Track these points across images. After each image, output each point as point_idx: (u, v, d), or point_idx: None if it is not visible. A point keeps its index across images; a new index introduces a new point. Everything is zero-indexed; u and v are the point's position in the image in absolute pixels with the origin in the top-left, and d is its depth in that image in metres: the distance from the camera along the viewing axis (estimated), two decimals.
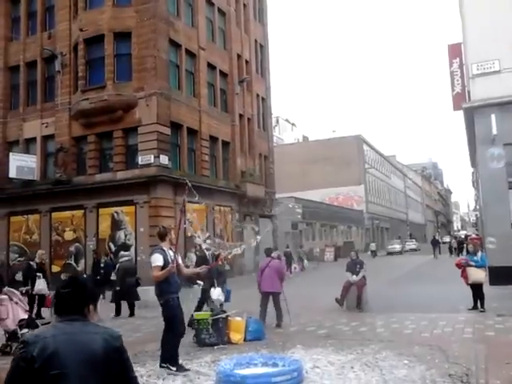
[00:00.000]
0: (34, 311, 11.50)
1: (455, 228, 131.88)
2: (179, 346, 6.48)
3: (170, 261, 6.40)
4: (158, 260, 6.35)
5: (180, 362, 6.44)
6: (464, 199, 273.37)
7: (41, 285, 12.05)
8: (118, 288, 12.26)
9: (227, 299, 10.08)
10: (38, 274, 12.19)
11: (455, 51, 19.15)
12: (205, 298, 9.92)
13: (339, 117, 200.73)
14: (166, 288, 6.36)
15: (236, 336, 8.18)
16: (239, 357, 6.44)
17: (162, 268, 6.32)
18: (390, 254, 45.36)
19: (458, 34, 19.88)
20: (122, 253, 13.88)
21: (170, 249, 6.64)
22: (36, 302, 12.03)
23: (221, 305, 9.32)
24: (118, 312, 12.16)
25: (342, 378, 5.74)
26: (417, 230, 78.17)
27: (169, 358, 6.31)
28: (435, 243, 37.25)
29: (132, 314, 12.03)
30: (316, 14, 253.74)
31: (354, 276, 11.77)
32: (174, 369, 6.23)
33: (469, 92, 16.94)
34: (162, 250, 6.52)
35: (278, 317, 9.67)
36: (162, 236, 6.70)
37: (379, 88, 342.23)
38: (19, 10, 24.42)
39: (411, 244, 52.01)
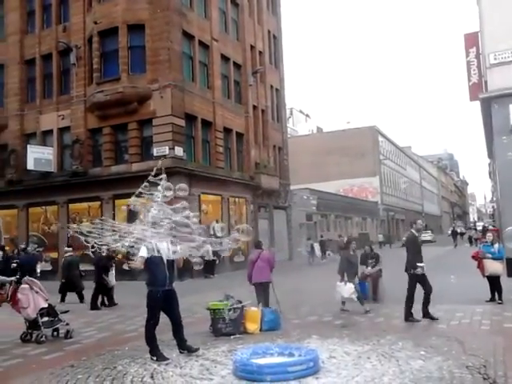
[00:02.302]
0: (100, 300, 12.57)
1: (471, 219, 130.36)
2: (155, 335, 6.65)
3: (156, 253, 6.57)
4: (142, 251, 6.58)
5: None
6: (481, 190, 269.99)
7: (112, 276, 12.84)
8: (63, 280, 13.48)
9: (364, 295, 9.95)
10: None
11: (472, 40, 18.85)
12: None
13: (354, 108, 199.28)
14: (151, 280, 6.60)
15: (252, 326, 8.24)
16: (255, 346, 6.49)
17: (147, 260, 6.52)
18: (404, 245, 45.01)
19: (475, 22, 19.55)
20: (66, 248, 15.05)
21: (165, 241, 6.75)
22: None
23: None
24: (62, 300, 13.13)
25: (359, 368, 5.75)
26: (432, 222, 77.48)
27: (151, 346, 6.57)
28: (455, 234, 39.01)
29: (81, 300, 13.00)
30: (330, 4, 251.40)
31: (369, 268, 11.75)
32: (154, 358, 6.43)
33: (486, 82, 16.69)
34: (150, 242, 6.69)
35: (263, 303, 9.39)
36: None
37: (395, 78, 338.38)
38: (34, 4, 24.62)
39: (427, 235, 51.53)
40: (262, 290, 9.52)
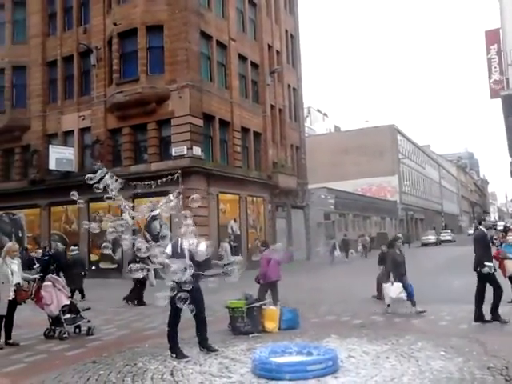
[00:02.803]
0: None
1: (492, 219, 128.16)
2: (177, 332, 6.70)
3: (178, 251, 6.65)
4: (167, 249, 6.68)
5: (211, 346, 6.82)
6: (502, 189, 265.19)
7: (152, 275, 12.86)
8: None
9: (411, 295, 9.52)
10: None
11: (492, 37, 18.57)
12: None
13: (372, 106, 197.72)
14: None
15: (270, 325, 8.27)
16: (274, 345, 6.52)
17: (170, 257, 6.56)
18: (424, 245, 44.60)
19: (496, 19, 19.23)
20: (72, 247, 15.44)
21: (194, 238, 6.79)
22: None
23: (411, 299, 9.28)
24: (83, 297, 13.39)
25: (378, 367, 5.73)
26: (452, 221, 76.48)
27: (171, 344, 6.64)
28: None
29: (83, 297, 13.29)
30: (348, 1, 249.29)
31: None
32: (174, 355, 6.51)
33: (507, 79, 16.43)
34: (175, 240, 6.83)
35: (275, 301, 9.39)
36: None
37: (414, 76, 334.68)
38: (56, 6, 25.01)
39: (446, 235, 50.98)
40: (273, 288, 9.57)
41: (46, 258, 15.44)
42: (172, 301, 6.54)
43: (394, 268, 9.86)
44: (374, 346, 6.78)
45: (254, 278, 9.68)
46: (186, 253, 6.70)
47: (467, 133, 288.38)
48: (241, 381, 5.44)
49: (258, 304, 8.29)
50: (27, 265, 12.87)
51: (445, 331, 7.86)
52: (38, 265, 13.60)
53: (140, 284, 12.53)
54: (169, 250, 6.67)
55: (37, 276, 8.74)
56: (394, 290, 9.58)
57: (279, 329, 8.30)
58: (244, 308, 8.08)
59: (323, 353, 5.85)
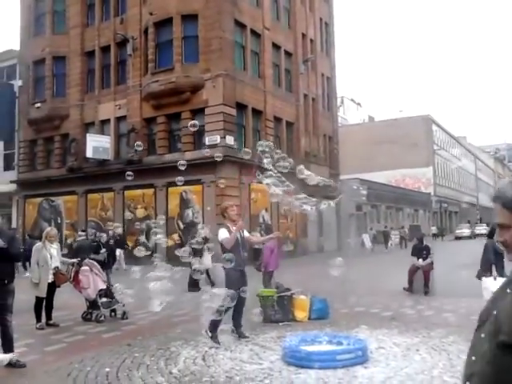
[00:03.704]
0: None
1: None
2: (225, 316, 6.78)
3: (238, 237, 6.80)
4: (223, 233, 6.82)
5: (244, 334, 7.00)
6: None
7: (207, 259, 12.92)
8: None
9: None
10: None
11: None
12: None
13: (407, 96, 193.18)
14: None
15: (301, 314, 8.36)
16: (304, 334, 6.61)
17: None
18: (458, 238, 43.68)
19: None
20: (80, 233, 15.68)
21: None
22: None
23: None
24: None
25: (408, 359, 5.74)
26: (488, 215, 74.41)
27: (213, 324, 6.70)
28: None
29: None
30: None
31: (421, 260, 11.57)
32: (210, 335, 6.64)
33: None
34: (226, 225, 6.95)
35: (267, 286, 9.83)
36: (222, 215, 7.18)
37: (450, 65, 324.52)
38: None
39: (481, 228, 49.66)
40: (271, 276, 10.03)
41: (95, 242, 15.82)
42: (228, 281, 6.75)
43: (497, 260, 9.31)
44: (404, 338, 6.78)
45: (285, 268, 9.88)
46: (241, 238, 6.95)
47: (506, 123, 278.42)
48: (271, 367, 5.55)
49: (288, 293, 8.38)
50: (95, 249, 13.38)
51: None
52: (104, 249, 13.81)
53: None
54: (224, 234, 6.82)
55: (75, 260, 9.07)
56: (497, 285, 9.21)
57: (309, 318, 8.37)
58: (275, 297, 8.19)
59: (353, 343, 5.91)
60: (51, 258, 8.33)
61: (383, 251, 29.03)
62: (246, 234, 7.21)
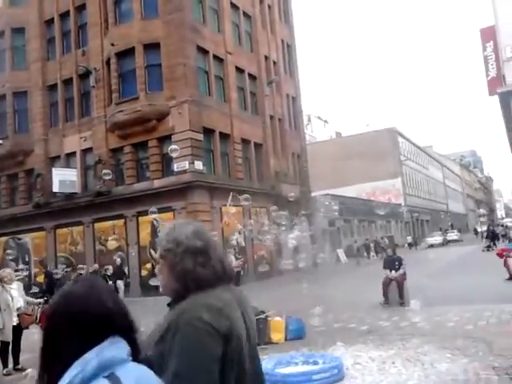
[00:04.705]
0: None
1: (499, 216, 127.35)
2: None
3: None
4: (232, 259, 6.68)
5: None
6: (508, 186, 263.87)
7: None
8: None
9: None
10: None
11: (488, 35, 18.67)
12: None
13: (373, 110, 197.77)
14: None
15: (276, 335, 8.32)
16: (280, 356, 6.58)
17: None
18: (431, 246, 44.49)
19: (491, 16, 19.35)
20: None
21: None
22: None
23: None
24: None
25: (384, 373, 5.78)
26: (458, 221, 76.10)
27: None
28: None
29: None
30: (343, 8, 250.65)
31: (393, 272, 11.71)
32: None
33: (503, 76, 16.51)
34: None
35: None
36: None
37: (413, 77, 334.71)
38: (53, 31, 25.41)
39: (453, 235, 50.72)
40: None
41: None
42: None
43: None
44: (380, 352, 6.83)
45: (261, 290, 9.81)
46: None
47: (469, 131, 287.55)
48: None
49: (263, 316, 8.34)
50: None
51: (451, 333, 7.88)
52: (110, 282, 13.46)
53: None
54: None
55: (41, 300, 8.80)
56: None
57: (286, 339, 8.34)
58: None
59: (329, 361, 5.91)
60: (12, 299, 8.01)
61: (366, 261, 30.50)
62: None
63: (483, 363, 5.81)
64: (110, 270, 14.06)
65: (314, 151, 44.87)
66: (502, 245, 24.66)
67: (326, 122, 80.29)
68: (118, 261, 18.25)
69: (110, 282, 13.04)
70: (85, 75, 23.75)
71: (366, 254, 33.80)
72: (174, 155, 17.69)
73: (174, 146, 16.86)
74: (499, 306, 9.89)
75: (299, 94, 32.75)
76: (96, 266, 18.75)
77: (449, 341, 7.14)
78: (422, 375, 5.58)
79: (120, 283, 17.14)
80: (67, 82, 24.67)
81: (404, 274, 11.75)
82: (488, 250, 27.17)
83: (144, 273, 20.91)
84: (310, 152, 35.41)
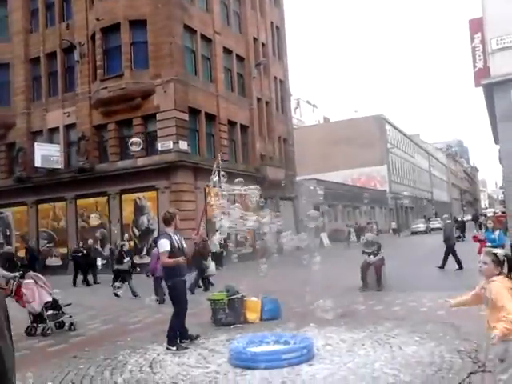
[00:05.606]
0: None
1: (483, 206, 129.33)
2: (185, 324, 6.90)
3: (176, 245, 6.70)
4: (165, 245, 6.63)
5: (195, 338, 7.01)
6: (492, 177, 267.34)
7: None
8: None
9: None
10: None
11: (476, 26, 18.67)
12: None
13: (361, 97, 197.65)
14: (176, 271, 6.71)
15: (252, 315, 8.38)
16: (252, 335, 6.64)
17: (170, 253, 6.60)
18: (414, 233, 45.03)
19: (479, 8, 19.37)
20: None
21: (176, 233, 6.90)
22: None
23: None
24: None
25: (352, 354, 5.85)
26: (442, 209, 77.01)
27: (172, 337, 6.69)
28: (476, 219, 39.87)
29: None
30: None
31: (372, 256, 11.82)
32: (174, 348, 6.57)
33: (489, 68, 16.57)
34: (167, 235, 6.79)
35: (160, 295, 10.90)
36: (168, 221, 6.91)
37: (403, 65, 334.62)
38: (37, 2, 24.79)
39: (436, 223, 51.38)
40: (159, 282, 10.80)
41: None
42: (178, 293, 6.75)
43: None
44: (351, 334, 6.91)
45: (244, 271, 9.95)
46: (184, 247, 6.95)
47: (457, 121, 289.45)
48: (217, 371, 5.54)
49: (239, 295, 8.38)
50: (118, 259, 13.41)
51: (423, 317, 8.00)
52: (127, 258, 13.28)
53: (200, 271, 13.28)
54: (166, 246, 6.65)
55: (16, 274, 8.75)
56: None
57: (261, 319, 8.40)
58: (225, 300, 8.18)
59: (299, 341, 5.97)
60: None
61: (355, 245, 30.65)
62: (185, 245, 7.11)
63: (449, 347, 5.93)
64: (126, 246, 14.00)
65: (302, 135, 44.84)
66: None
67: (314, 106, 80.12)
68: (98, 236, 18.19)
69: (128, 258, 13.27)
70: (69, 49, 23.31)
71: (355, 238, 33.66)
72: (134, 149, 17.82)
73: (136, 139, 16.80)
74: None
75: (287, 77, 32.55)
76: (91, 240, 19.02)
77: (419, 325, 7.25)
78: (388, 357, 5.66)
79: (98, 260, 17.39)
80: (51, 56, 24.18)
81: (382, 258, 11.87)
82: (458, 241, 27.76)
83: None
84: (298, 136, 35.39)
